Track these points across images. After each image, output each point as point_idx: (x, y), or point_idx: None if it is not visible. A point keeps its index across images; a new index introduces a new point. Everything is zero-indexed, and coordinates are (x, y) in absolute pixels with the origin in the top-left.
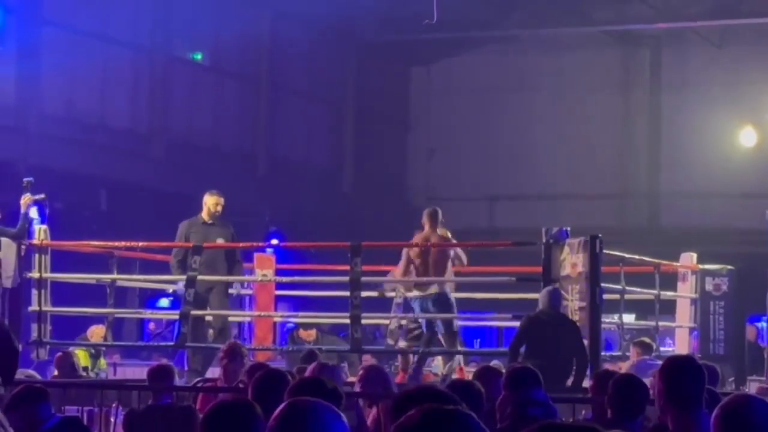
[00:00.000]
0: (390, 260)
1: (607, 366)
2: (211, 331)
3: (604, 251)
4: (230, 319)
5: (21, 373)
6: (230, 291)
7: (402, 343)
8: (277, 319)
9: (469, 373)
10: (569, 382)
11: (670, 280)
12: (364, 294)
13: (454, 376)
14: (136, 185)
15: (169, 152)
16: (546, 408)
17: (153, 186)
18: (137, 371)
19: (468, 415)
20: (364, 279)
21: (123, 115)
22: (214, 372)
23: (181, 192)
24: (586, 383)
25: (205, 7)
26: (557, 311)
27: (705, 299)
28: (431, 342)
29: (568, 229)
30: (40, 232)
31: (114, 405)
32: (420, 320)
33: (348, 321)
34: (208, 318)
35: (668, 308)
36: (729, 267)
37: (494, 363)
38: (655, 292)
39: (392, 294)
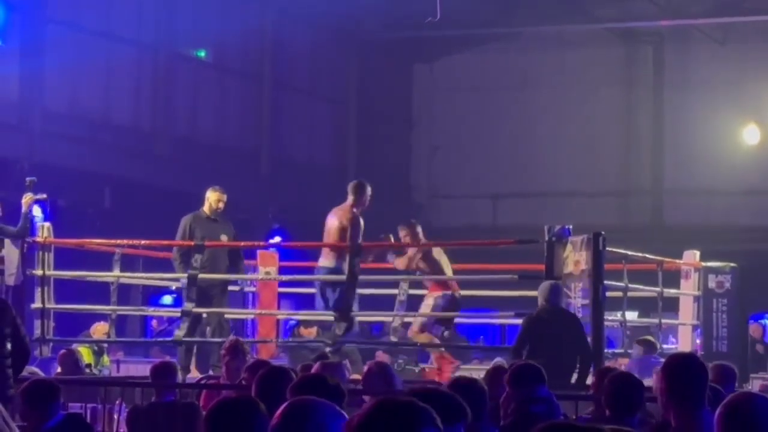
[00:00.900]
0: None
1: (608, 364)
2: (208, 329)
3: (607, 249)
4: (234, 316)
5: (24, 371)
6: (233, 288)
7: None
8: (280, 317)
9: (471, 370)
10: (574, 378)
11: (673, 278)
12: (367, 291)
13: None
14: (140, 183)
15: (173, 150)
16: (549, 405)
17: (156, 183)
18: (140, 368)
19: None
20: (367, 277)
21: (126, 112)
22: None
23: (184, 189)
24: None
25: (208, 5)
26: (558, 307)
27: (708, 296)
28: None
29: (571, 226)
30: (43, 229)
31: (117, 402)
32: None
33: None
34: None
35: (671, 306)
36: (732, 264)
37: (497, 360)
38: (658, 289)
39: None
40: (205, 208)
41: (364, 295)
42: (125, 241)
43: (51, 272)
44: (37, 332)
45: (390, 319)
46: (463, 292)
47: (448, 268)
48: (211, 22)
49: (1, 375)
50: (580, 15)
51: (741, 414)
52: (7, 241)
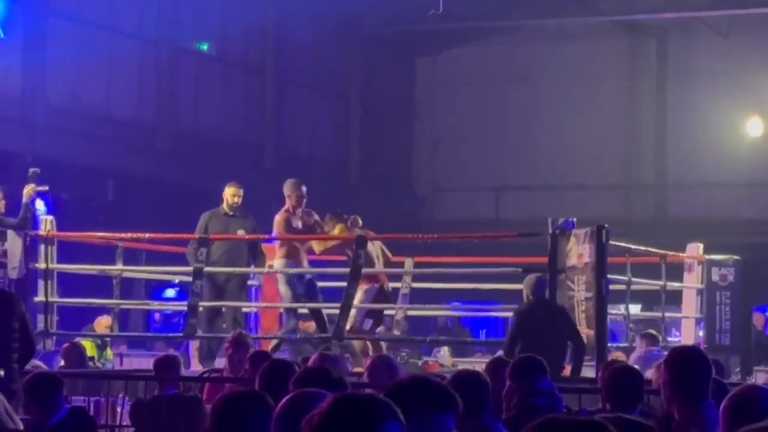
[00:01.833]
0: (396, 252)
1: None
2: (224, 325)
3: (611, 242)
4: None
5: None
6: (250, 282)
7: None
8: (282, 310)
9: (473, 363)
10: (568, 369)
11: (676, 271)
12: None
13: None
14: (143, 176)
15: (175, 144)
16: (552, 398)
17: (159, 177)
18: (143, 362)
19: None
20: (369, 270)
21: (129, 106)
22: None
23: (187, 183)
24: (591, 372)
25: None
26: (544, 299)
27: (711, 290)
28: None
29: (574, 219)
30: (46, 223)
31: (120, 395)
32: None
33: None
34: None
35: (674, 299)
36: (735, 257)
37: (500, 353)
38: (661, 282)
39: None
40: (224, 205)
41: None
42: (128, 235)
43: (54, 266)
44: (41, 326)
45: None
46: (467, 286)
47: (378, 261)
48: (213, 16)
49: (8, 368)
50: (583, 7)
51: (746, 406)
52: (10, 234)
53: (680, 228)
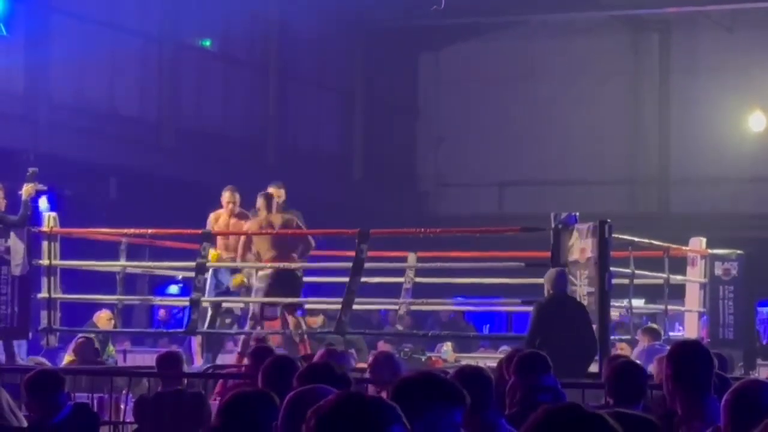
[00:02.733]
0: (399, 247)
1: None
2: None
3: (614, 236)
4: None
5: (31, 360)
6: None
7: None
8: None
9: (476, 359)
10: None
11: (679, 265)
12: (374, 280)
13: None
14: (146, 173)
15: (179, 140)
16: (555, 394)
17: (162, 174)
18: (147, 358)
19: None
20: (373, 265)
21: (132, 103)
22: (224, 359)
23: (190, 179)
24: (594, 367)
25: None
26: (565, 294)
27: (714, 284)
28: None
29: (577, 214)
30: (49, 219)
31: (124, 392)
32: None
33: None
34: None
35: (677, 293)
36: (738, 251)
37: (503, 349)
38: (664, 276)
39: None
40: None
41: (370, 284)
42: (131, 231)
43: (57, 262)
44: (44, 322)
45: (396, 307)
46: (470, 281)
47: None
48: (216, 12)
49: None
50: (586, 2)
51: (748, 400)
52: (13, 231)
53: (684, 223)
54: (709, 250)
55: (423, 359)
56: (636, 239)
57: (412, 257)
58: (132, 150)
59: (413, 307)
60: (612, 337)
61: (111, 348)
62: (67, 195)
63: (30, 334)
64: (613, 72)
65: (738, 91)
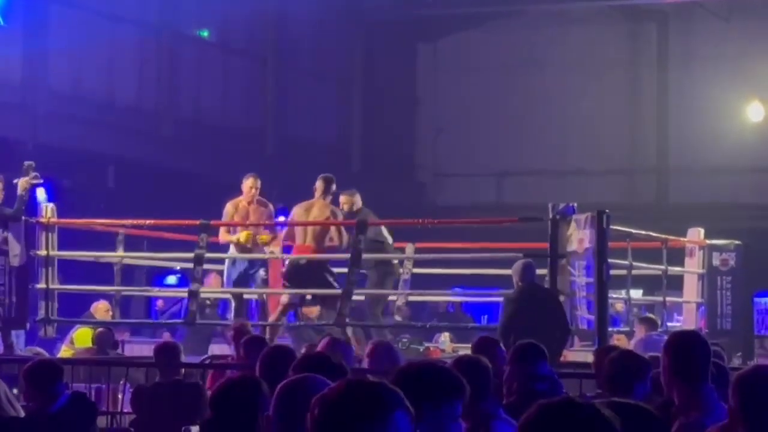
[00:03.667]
0: (397, 237)
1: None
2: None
3: (611, 227)
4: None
5: (29, 351)
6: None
7: None
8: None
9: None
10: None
11: (677, 256)
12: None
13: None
14: (143, 163)
15: (177, 130)
16: (552, 383)
17: (160, 164)
18: (145, 348)
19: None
20: (372, 255)
21: (130, 93)
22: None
23: (188, 170)
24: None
25: None
26: (534, 284)
27: (712, 274)
28: None
29: (575, 204)
30: (47, 210)
31: (122, 382)
32: None
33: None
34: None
35: (676, 284)
36: (736, 242)
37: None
38: (662, 267)
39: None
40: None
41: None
42: (129, 222)
43: (55, 253)
44: (42, 313)
45: (394, 297)
46: (468, 271)
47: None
48: (214, 2)
49: None
50: None
51: (753, 386)
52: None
53: (682, 213)
54: (707, 241)
55: (421, 350)
56: (634, 231)
57: (410, 248)
58: (130, 140)
59: (411, 298)
60: (611, 329)
61: None
62: (65, 185)
63: (28, 325)
64: (611, 62)
65: (736, 82)
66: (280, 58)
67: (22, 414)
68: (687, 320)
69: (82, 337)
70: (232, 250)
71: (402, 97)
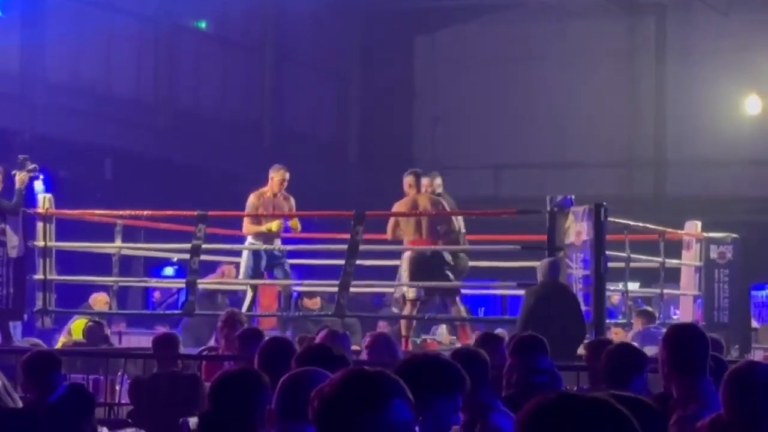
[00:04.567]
0: None
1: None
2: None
3: (609, 219)
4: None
5: (26, 341)
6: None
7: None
8: (279, 288)
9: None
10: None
11: (675, 248)
12: (369, 262)
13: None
14: (141, 154)
15: (175, 122)
16: (552, 376)
17: (158, 155)
18: (142, 340)
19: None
20: (369, 247)
21: (128, 84)
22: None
23: (186, 161)
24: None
25: None
26: (557, 282)
27: (710, 267)
28: None
29: (572, 197)
30: (44, 201)
31: (119, 373)
32: None
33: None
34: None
35: (673, 276)
36: (734, 235)
37: (498, 331)
38: (660, 260)
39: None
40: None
41: (365, 266)
42: (127, 213)
43: (52, 244)
44: (39, 304)
45: (392, 290)
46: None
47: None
48: None
49: None
50: None
51: (745, 382)
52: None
53: (679, 206)
54: (705, 234)
55: (418, 341)
56: (631, 223)
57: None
58: (128, 131)
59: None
60: (608, 321)
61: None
62: (63, 176)
63: (25, 316)
64: (609, 55)
65: (734, 75)
66: (278, 51)
67: (20, 404)
68: (684, 313)
69: (79, 328)
70: (250, 242)
71: (400, 90)
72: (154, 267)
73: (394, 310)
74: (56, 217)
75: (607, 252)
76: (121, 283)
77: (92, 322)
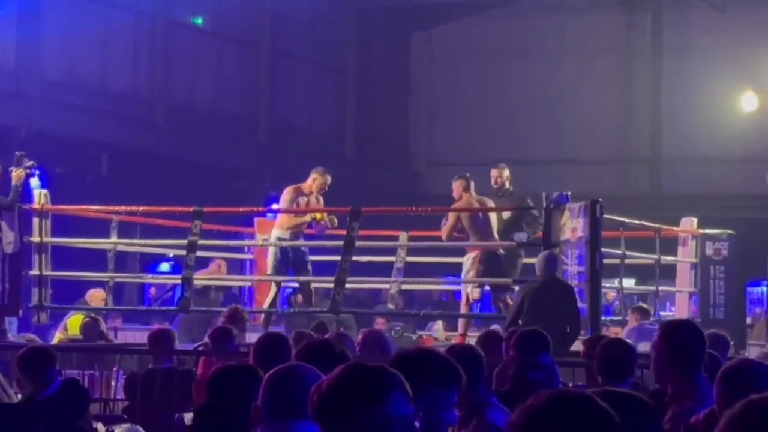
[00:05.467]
0: (391, 225)
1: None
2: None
3: (605, 216)
4: (231, 283)
5: (22, 337)
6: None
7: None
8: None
9: (467, 337)
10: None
11: (670, 245)
12: (366, 258)
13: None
14: (137, 150)
15: (171, 117)
16: (549, 373)
17: (154, 151)
18: (138, 335)
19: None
20: (365, 243)
21: (124, 80)
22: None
23: (182, 157)
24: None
25: None
26: (554, 277)
27: (705, 264)
28: None
29: (569, 193)
30: (40, 196)
31: (115, 369)
32: None
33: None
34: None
35: (668, 273)
36: (729, 232)
37: (494, 327)
38: (655, 256)
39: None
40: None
41: (362, 262)
42: (123, 208)
43: (48, 239)
44: (35, 299)
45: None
46: (462, 260)
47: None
48: None
49: None
50: None
51: (738, 380)
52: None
53: (675, 202)
54: (700, 230)
55: (413, 338)
56: (627, 220)
57: (403, 236)
58: (124, 127)
59: (404, 287)
60: (603, 318)
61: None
62: (59, 172)
63: (21, 312)
64: (605, 51)
65: (730, 71)
66: (274, 46)
67: (15, 400)
68: (680, 309)
69: (75, 324)
70: (275, 238)
71: (396, 86)
72: (149, 263)
73: (390, 306)
74: (52, 212)
75: (603, 249)
76: (116, 279)
77: (89, 318)
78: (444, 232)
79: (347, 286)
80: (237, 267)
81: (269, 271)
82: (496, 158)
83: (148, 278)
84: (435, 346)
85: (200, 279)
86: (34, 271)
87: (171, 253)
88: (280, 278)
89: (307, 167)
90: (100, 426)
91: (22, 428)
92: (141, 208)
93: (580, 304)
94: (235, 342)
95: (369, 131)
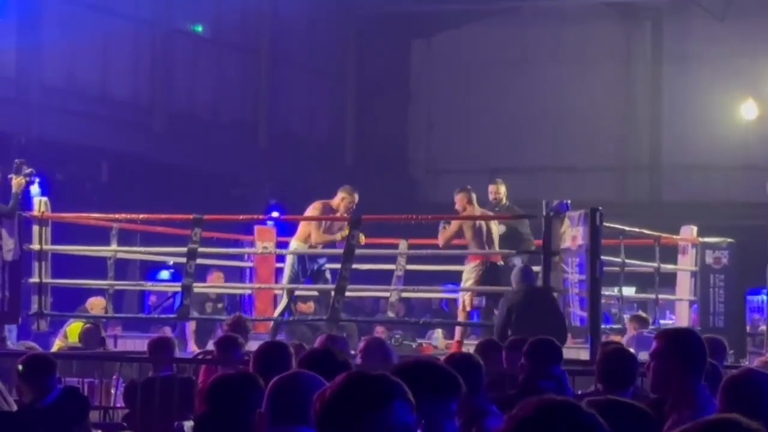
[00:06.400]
0: (391, 233)
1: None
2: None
3: (605, 224)
4: (231, 291)
5: (21, 345)
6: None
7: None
8: (278, 292)
9: (467, 345)
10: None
11: (670, 253)
12: (366, 267)
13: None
14: (137, 157)
15: (170, 124)
16: (559, 382)
17: (154, 158)
18: (138, 343)
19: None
20: (364, 252)
21: (124, 86)
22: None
23: (182, 164)
24: (585, 354)
25: None
26: (533, 286)
27: (705, 272)
28: None
29: (568, 201)
30: (40, 204)
31: (114, 377)
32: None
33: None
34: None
35: (668, 281)
36: (729, 240)
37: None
38: (655, 265)
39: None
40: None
41: (362, 270)
42: (123, 216)
43: (48, 247)
44: (35, 307)
45: (387, 294)
46: (461, 268)
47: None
48: None
49: None
50: None
51: (743, 390)
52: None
53: (675, 210)
54: (700, 239)
55: (413, 346)
56: (627, 228)
57: (403, 244)
58: (124, 134)
59: (404, 294)
60: (603, 326)
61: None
62: (58, 179)
63: (20, 319)
64: (605, 59)
65: (730, 80)
66: (273, 53)
67: (15, 408)
68: (680, 318)
69: (75, 332)
70: (294, 248)
71: (395, 93)
72: (149, 270)
73: (390, 314)
74: (52, 220)
75: (603, 257)
76: (116, 287)
77: (90, 324)
78: (441, 239)
79: (347, 294)
80: (238, 275)
81: (285, 281)
82: (496, 166)
83: (149, 286)
84: (435, 354)
85: (199, 287)
86: (34, 279)
87: (171, 260)
88: (278, 286)
89: (306, 174)
90: None
91: None
92: (141, 216)
93: (580, 313)
94: (241, 351)
95: (368, 138)
